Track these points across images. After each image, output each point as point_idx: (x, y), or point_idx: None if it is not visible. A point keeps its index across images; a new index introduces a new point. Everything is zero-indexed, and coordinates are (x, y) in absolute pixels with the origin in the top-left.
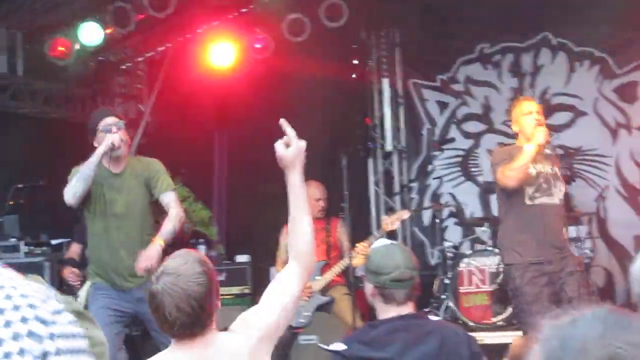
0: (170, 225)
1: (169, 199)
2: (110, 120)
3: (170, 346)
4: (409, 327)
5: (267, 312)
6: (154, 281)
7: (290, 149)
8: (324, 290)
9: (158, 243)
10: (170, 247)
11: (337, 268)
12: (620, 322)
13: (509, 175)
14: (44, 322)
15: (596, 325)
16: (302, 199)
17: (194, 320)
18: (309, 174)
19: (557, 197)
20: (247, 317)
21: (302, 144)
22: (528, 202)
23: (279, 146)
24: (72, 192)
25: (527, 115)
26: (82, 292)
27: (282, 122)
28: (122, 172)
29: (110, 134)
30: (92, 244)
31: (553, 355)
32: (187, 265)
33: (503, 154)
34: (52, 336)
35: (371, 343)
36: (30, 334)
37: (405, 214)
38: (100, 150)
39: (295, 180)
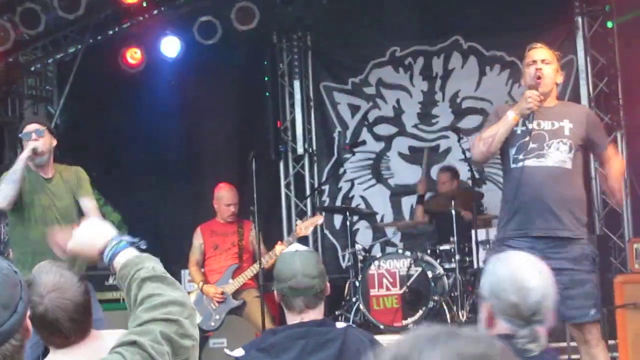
0: None
1: (91, 205)
2: (30, 127)
3: (54, 352)
4: (309, 334)
5: None
6: (37, 301)
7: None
8: (236, 294)
9: None
10: None
11: (248, 272)
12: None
13: (475, 146)
14: None
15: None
16: None
17: (86, 322)
18: (220, 177)
19: (551, 158)
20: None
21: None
22: (512, 165)
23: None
24: (2, 195)
25: (530, 66)
26: None
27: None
28: (53, 177)
29: (31, 140)
30: (26, 250)
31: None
32: (64, 278)
33: (495, 114)
34: None
35: (269, 350)
36: None
37: (319, 219)
38: (22, 156)
39: None
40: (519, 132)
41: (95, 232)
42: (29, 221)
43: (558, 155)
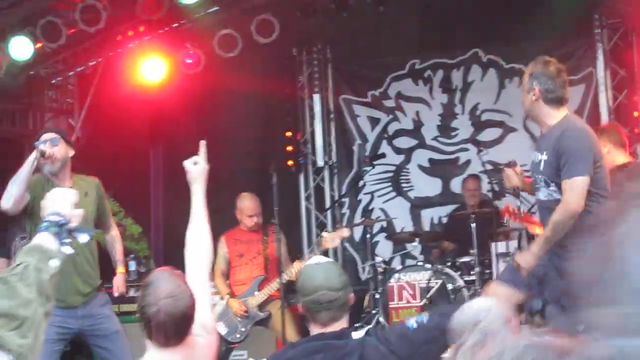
0: (121, 249)
1: (111, 221)
2: (46, 136)
3: (154, 349)
4: (326, 348)
5: (209, 316)
6: (152, 302)
7: (197, 166)
8: (262, 305)
9: (122, 272)
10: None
11: (274, 285)
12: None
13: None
14: None
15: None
16: (201, 209)
17: (187, 331)
18: (240, 189)
19: (541, 192)
20: (205, 323)
21: (206, 165)
22: None
23: (187, 162)
24: (6, 196)
25: None
26: None
27: (202, 143)
28: (71, 187)
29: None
30: None
31: None
32: (180, 289)
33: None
34: None
35: None
36: None
37: (346, 232)
38: (29, 158)
39: (197, 192)
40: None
41: (52, 201)
42: None
43: (544, 189)
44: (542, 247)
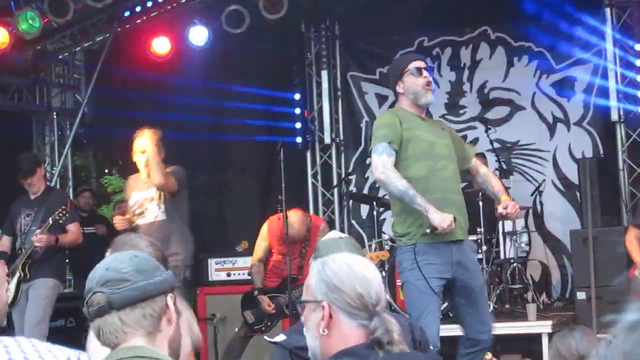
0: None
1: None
2: (420, 63)
3: None
4: None
5: None
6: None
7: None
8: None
9: None
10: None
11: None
12: None
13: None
14: None
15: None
16: None
17: None
18: (247, 166)
19: None
20: None
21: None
22: None
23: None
24: None
25: None
26: (12, 286)
27: None
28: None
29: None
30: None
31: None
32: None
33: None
34: None
35: None
36: None
37: (387, 255)
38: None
39: None
40: None
41: None
42: (414, 159)
43: None
44: None
